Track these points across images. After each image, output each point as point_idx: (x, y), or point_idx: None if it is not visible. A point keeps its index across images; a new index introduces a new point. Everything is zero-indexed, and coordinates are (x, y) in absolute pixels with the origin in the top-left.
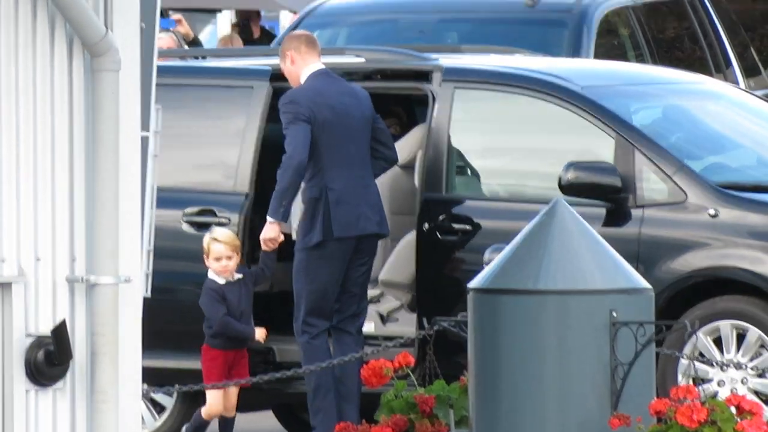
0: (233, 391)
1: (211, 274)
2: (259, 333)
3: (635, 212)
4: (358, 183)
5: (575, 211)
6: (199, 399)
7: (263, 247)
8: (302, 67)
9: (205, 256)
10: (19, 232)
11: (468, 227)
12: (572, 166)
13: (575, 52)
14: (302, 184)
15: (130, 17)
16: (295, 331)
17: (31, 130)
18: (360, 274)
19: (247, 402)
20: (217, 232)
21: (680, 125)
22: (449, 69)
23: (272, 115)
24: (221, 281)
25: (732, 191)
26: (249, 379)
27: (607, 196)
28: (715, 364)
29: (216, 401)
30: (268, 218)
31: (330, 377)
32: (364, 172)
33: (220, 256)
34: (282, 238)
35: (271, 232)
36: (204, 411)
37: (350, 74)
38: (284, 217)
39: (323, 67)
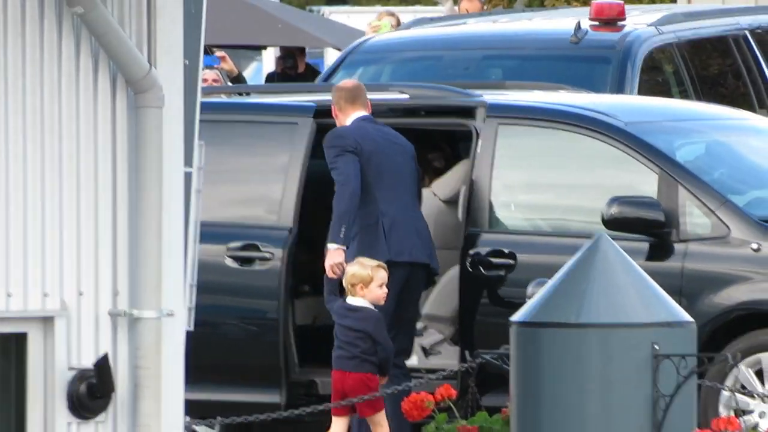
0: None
1: (362, 302)
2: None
3: (678, 246)
4: (409, 214)
5: (618, 245)
6: (242, 431)
7: (330, 274)
8: (344, 119)
9: (358, 286)
10: (62, 267)
11: (511, 261)
12: (616, 201)
13: (619, 88)
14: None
15: (174, 54)
16: None
17: (75, 166)
18: (408, 306)
19: None
20: (371, 260)
21: (723, 161)
22: (493, 105)
23: (316, 150)
24: (372, 307)
25: None
26: (292, 412)
27: (651, 230)
28: (756, 396)
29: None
30: (330, 246)
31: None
32: (413, 204)
33: (384, 282)
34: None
35: (337, 257)
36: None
37: (395, 110)
38: (345, 241)
39: (366, 114)
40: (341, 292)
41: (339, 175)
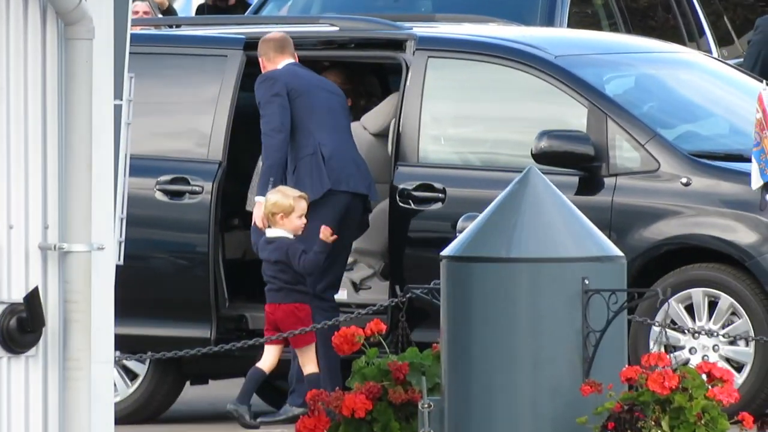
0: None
1: (280, 232)
2: (327, 233)
3: (608, 180)
4: (347, 147)
5: (548, 179)
6: (172, 366)
7: (259, 225)
8: (272, 68)
9: (279, 215)
10: None
11: (441, 195)
12: (545, 134)
13: (549, 21)
14: (289, 151)
15: None
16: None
17: (4, 98)
18: (344, 240)
19: (220, 369)
20: (293, 190)
21: (653, 94)
22: (423, 38)
23: (246, 83)
24: (290, 236)
25: (704, 160)
26: (222, 346)
27: (580, 164)
28: (686, 331)
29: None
30: (258, 198)
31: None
32: (349, 138)
33: (304, 213)
34: None
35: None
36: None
37: (324, 43)
38: None
39: (295, 62)
40: None
41: (266, 124)
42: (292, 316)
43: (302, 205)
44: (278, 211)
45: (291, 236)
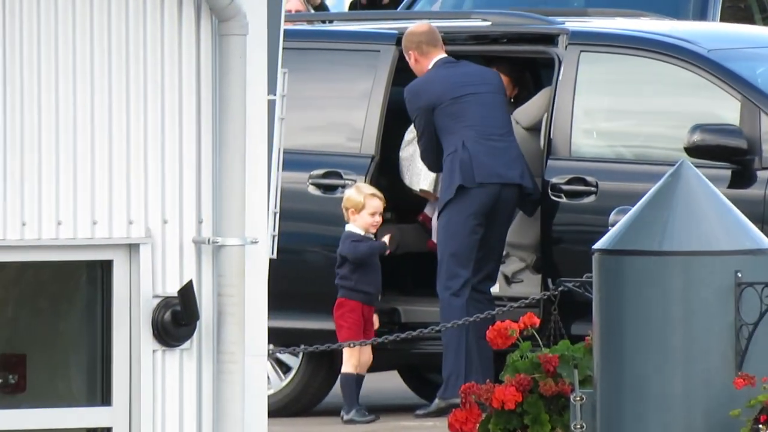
0: (367, 349)
1: (350, 227)
2: (387, 239)
3: (761, 174)
4: (496, 143)
5: (700, 172)
6: (325, 360)
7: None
8: (426, 63)
9: (350, 210)
10: (146, 195)
11: (593, 189)
12: (698, 128)
13: (702, 15)
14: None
15: None
16: (440, 289)
17: (159, 95)
18: (497, 231)
19: (373, 362)
20: (370, 188)
21: None
22: (575, 32)
23: (398, 78)
24: (361, 233)
25: None
26: (374, 340)
27: (733, 158)
28: None
29: (355, 354)
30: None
31: (465, 337)
32: (502, 134)
33: (376, 211)
34: None
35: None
36: (352, 366)
37: (476, 38)
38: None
39: (446, 56)
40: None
41: (419, 139)
42: (337, 309)
43: (374, 204)
44: (349, 206)
45: (361, 233)
